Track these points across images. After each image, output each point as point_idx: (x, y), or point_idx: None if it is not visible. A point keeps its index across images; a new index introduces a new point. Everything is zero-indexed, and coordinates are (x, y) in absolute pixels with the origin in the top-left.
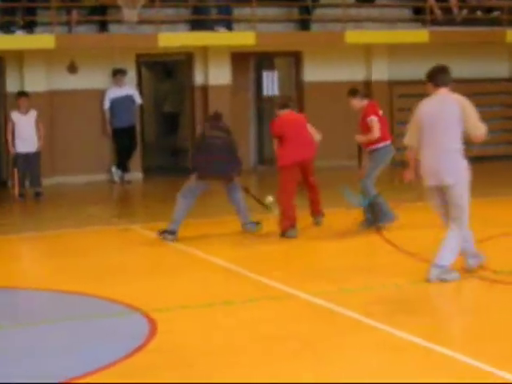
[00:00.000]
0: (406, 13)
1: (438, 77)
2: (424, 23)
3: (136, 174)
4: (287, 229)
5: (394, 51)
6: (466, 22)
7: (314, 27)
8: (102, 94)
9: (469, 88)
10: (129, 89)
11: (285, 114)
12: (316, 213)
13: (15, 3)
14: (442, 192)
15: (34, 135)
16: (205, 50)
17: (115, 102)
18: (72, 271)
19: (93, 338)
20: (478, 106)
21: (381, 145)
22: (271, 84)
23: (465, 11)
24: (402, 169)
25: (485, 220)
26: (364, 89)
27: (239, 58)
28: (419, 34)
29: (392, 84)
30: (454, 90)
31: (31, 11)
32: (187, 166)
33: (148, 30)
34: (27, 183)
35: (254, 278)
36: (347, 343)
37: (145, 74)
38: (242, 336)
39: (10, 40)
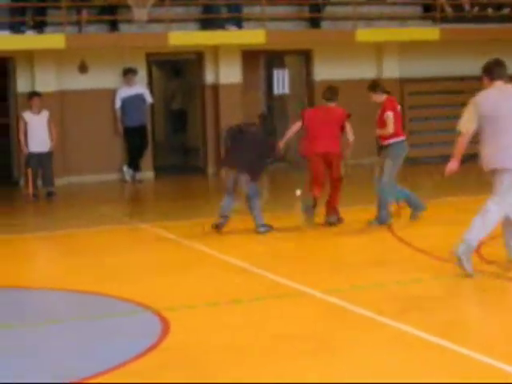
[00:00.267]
0: (417, 10)
1: (494, 70)
2: (435, 21)
3: (147, 173)
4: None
5: (405, 49)
6: (477, 19)
7: (325, 25)
8: (112, 93)
9: (480, 85)
10: (139, 88)
11: (321, 107)
12: (328, 212)
13: (25, 3)
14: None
15: (47, 135)
16: (215, 49)
17: (126, 102)
18: (84, 270)
19: (104, 337)
20: None
21: (394, 140)
22: (282, 82)
23: (476, 8)
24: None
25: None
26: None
27: (250, 57)
28: (430, 32)
29: (403, 82)
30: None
31: (41, 11)
32: (198, 164)
33: (158, 28)
34: (40, 183)
35: (265, 275)
36: (359, 341)
37: (155, 73)
38: (254, 335)
39: (20, 40)
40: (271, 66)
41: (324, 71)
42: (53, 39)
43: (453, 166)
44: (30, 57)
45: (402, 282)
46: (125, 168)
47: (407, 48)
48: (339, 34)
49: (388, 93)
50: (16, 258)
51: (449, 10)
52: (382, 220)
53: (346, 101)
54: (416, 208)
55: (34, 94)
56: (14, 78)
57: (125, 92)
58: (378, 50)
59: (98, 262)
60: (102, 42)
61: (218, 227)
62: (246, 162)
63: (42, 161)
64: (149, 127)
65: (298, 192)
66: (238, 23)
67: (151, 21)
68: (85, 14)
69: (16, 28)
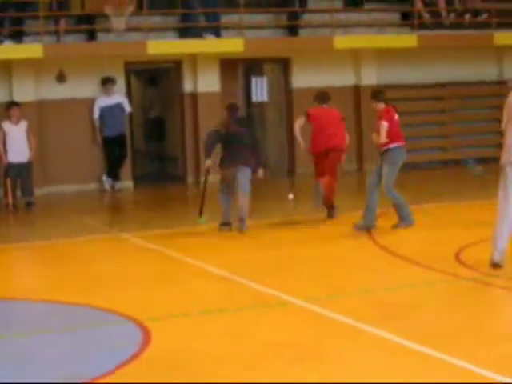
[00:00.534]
0: (395, 17)
1: None
2: (412, 27)
3: (126, 183)
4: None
5: (383, 56)
6: (454, 25)
7: (303, 33)
8: (91, 102)
9: (457, 91)
10: (118, 97)
11: (322, 108)
12: (328, 208)
13: (3, 13)
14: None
15: (26, 145)
16: (193, 57)
17: (105, 111)
18: (64, 281)
19: (86, 348)
20: (466, 108)
21: (392, 146)
22: (260, 90)
23: (452, 15)
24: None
25: (481, 222)
26: (355, 93)
27: (228, 65)
28: (408, 39)
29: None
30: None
31: (19, 21)
32: (177, 173)
33: (136, 37)
34: (19, 193)
35: (248, 285)
36: (342, 348)
37: (134, 82)
38: (236, 344)
39: None
40: (249, 74)
41: (302, 79)
42: (31, 49)
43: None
44: (8, 66)
45: (383, 290)
46: (104, 177)
47: (385, 55)
48: (317, 42)
49: (387, 102)
50: None
51: (426, 16)
52: (367, 224)
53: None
54: (403, 220)
55: (12, 104)
56: None
57: (103, 101)
58: (356, 57)
59: (78, 272)
60: (80, 51)
61: (239, 231)
62: (244, 158)
63: (21, 171)
64: (128, 136)
65: (291, 196)
66: (216, 32)
67: (129, 30)
68: (63, 24)
69: None
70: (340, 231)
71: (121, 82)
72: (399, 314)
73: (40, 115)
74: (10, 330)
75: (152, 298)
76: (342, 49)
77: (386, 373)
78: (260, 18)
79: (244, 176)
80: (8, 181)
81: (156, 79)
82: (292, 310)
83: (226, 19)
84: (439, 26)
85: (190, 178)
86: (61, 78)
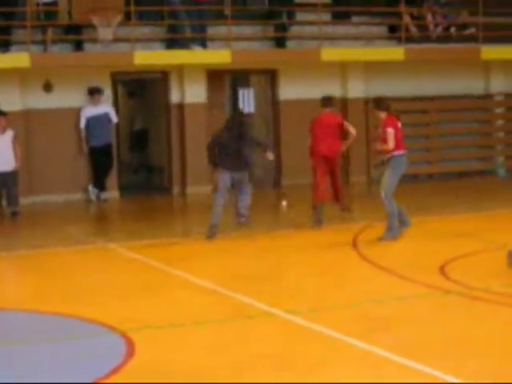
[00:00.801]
0: (382, 30)
1: None
2: (399, 41)
3: (112, 193)
4: (317, 201)
5: (370, 68)
6: (441, 39)
7: (290, 45)
8: (77, 112)
9: (444, 105)
10: (105, 107)
11: (324, 112)
12: (340, 206)
13: None
14: None
15: (11, 154)
16: (180, 68)
17: (91, 121)
18: (49, 291)
19: (68, 360)
20: (453, 122)
21: (395, 153)
22: (247, 101)
23: (440, 28)
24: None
25: (466, 234)
26: (342, 106)
27: (215, 76)
28: (395, 52)
29: (368, 101)
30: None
31: (6, 30)
32: (163, 184)
33: (123, 48)
34: (4, 202)
35: (233, 296)
36: (326, 361)
37: (121, 92)
38: (220, 355)
39: None
40: (236, 85)
41: (289, 91)
42: (18, 58)
43: None
44: None
45: (368, 302)
46: (90, 187)
47: (372, 68)
48: (304, 54)
49: (389, 110)
50: None
51: (413, 30)
52: (394, 231)
53: (310, 120)
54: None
55: None
56: None
57: (90, 111)
58: (343, 69)
59: (62, 282)
60: (67, 61)
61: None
62: (245, 161)
63: (6, 180)
64: (114, 146)
65: (284, 203)
66: (203, 43)
67: (116, 40)
68: (50, 34)
69: None
70: (325, 242)
71: (107, 92)
72: (383, 327)
73: (26, 124)
74: None
75: (136, 309)
76: (330, 61)
77: None
78: (247, 29)
79: (245, 177)
80: None
81: (143, 90)
82: (276, 322)
83: (213, 31)
84: (426, 39)
85: (176, 189)
86: (47, 87)
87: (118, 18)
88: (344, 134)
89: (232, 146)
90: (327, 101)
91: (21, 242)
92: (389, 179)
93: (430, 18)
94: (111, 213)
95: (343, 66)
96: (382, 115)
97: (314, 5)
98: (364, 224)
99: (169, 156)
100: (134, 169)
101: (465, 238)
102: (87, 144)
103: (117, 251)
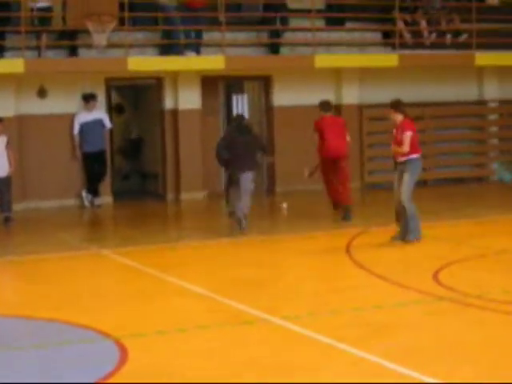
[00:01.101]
0: (376, 36)
1: None
2: (394, 47)
3: (106, 198)
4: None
5: (364, 75)
6: (435, 45)
7: (284, 51)
8: (71, 118)
9: (438, 111)
10: (99, 113)
11: (327, 115)
12: (341, 202)
13: None
14: None
15: (5, 160)
16: (175, 74)
17: (85, 127)
18: (42, 297)
19: (62, 365)
20: (447, 128)
21: (412, 156)
22: (241, 108)
23: (434, 35)
24: None
25: (460, 240)
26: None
27: (209, 82)
28: (389, 58)
29: (362, 107)
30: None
31: (0, 36)
32: (157, 190)
33: (117, 54)
34: None
35: (227, 302)
36: (320, 368)
37: (115, 98)
38: (214, 362)
39: None
40: (230, 91)
41: (283, 97)
42: (12, 64)
43: None
44: None
45: (360, 309)
46: (84, 193)
47: (366, 74)
48: (298, 60)
49: (405, 113)
50: None
51: (407, 36)
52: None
53: (305, 126)
54: (407, 233)
55: None
56: None
57: (84, 117)
58: (338, 75)
59: (57, 288)
60: (61, 66)
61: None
62: (254, 162)
63: (0, 186)
64: (107, 152)
65: (284, 205)
66: (197, 49)
67: (110, 46)
68: (44, 39)
69: None
70: (320, 248)
71: (101, 98)
72: (377, 334)
73: (20, 130)
74: None
75: (130, 315)
76: (324, 67)
77: None
78: (241, 35)
79: (247, 178)
80: None
81: (137, 96)
82: (271, 328)
83: (207, 37)
84: (420, 45)
85: (170, 195)
86: (42, 93)
87: (112, 23)
88: None
89: (247, 148)
90: (328, 105)
91: (14, 248)
92: (407, 183)
93: (423, 24)
94: (105, 219)
95: (337, 73)
96: (399, 117)
97: (308, 11)
98: (359, 230)
99: (163, 162)
100: (124, 175)
101: (458, 243)
102: (81, 150)
103: (110, 257)
